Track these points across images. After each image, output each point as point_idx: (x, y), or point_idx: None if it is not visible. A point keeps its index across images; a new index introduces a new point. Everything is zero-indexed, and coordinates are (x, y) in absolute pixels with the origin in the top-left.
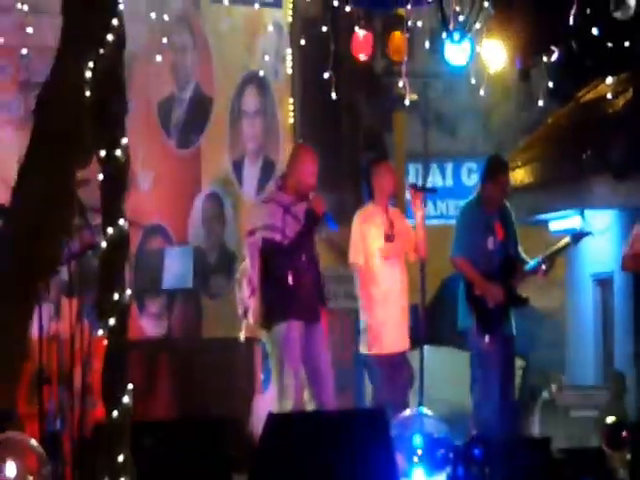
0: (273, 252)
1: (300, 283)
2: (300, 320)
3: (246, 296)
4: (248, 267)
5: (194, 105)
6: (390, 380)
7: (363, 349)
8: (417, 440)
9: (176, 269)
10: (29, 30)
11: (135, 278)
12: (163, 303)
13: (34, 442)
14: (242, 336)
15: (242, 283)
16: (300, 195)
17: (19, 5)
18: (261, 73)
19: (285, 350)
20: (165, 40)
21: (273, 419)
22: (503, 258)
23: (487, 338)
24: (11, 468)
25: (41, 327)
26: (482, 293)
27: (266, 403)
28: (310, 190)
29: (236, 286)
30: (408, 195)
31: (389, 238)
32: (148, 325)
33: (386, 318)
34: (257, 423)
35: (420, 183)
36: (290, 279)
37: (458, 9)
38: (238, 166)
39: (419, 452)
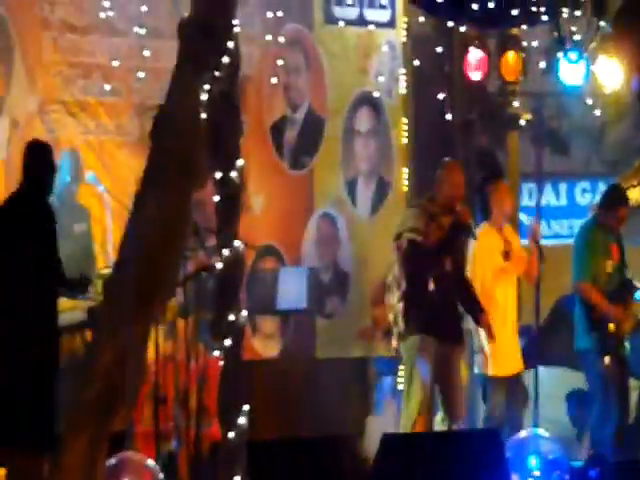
0: (415, 255)
1: (441, 292)
2: (436, 336)
3: (396, 301)
4: (397, 271)
5: (307, 126)
6: (505, 401)
7: (479, 369)
8: (533, 461)
9: (290, 290)
10: (146, 53)
11: (248, 299)
12: (277, 324)
13: (151, 462)
14: (394, 343)
15: (392, 288)
16: (447, 207)
17: (136, 28)
18: (375, 94)
19: (416, 364)
20: (280, 62)
21: (387, 440)
22: (620, 280)
23: (607, 360)
24: None
25: (157, 348)
26: (606, 316)
27: (380, 423)
28: (457, 202)
29: (386, 292)
30: (525, 220)
31: (507, 256)
32: (261, 346)
33: (502, 338)
34: (370, 443)
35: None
36: (431, 285)
37: (574, 29)
38: (351, 186)
39: (535, 473)
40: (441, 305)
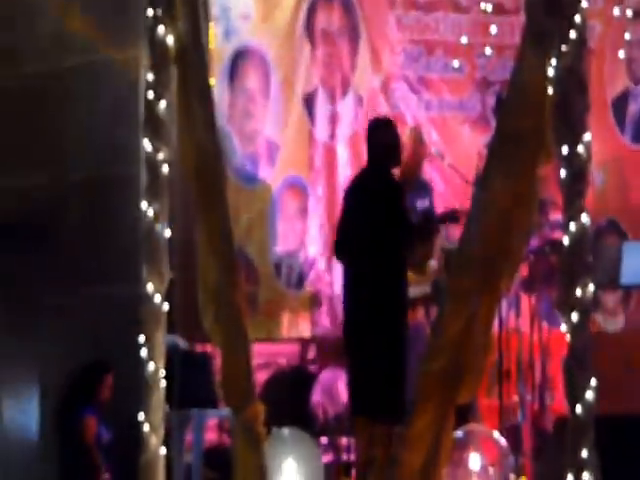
0: None
1: None
2: None
3: None
4: None
5: None
6: None
7: None
8: None
9: (634, 264)
10: (492, 30)
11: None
12: (619, 298)
13: (497, 434)
14: None
15: None
16: None
17: (482, 5)
18: None
19: None
20: (627, 35)
21: None
22: None
23: None
24: (475, 460)
25: (501, 321)
26: None
27: None
28: None
29: None
30: None
31: None
32: (604, 321)
33: None
34: None
35: None
36: None
37: None
38: None
39: None
40: None
